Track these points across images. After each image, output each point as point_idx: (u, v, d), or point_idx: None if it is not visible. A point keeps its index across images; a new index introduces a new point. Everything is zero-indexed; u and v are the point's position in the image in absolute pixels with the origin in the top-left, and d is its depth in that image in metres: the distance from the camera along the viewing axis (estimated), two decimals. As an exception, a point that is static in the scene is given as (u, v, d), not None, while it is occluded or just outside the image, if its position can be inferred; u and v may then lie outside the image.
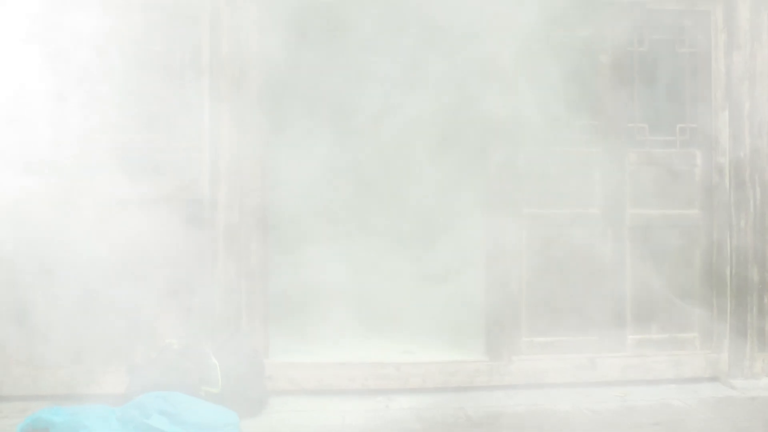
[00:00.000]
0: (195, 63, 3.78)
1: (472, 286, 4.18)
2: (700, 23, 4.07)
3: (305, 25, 4.40)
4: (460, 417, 3.54)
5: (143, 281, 3.74)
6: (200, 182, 3.77)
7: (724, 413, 3.61)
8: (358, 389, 3.77)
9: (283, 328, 4.22)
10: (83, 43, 3.70)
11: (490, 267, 3.97)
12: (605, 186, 4.02)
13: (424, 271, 4.59)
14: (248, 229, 3.79)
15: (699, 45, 4.08)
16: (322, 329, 4.48)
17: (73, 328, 3.75)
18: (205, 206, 3.77)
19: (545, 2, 3.91)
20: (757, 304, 4.07)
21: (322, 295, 4.59)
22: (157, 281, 3.75)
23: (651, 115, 4.08)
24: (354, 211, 5.07)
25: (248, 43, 3.78)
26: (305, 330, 4.46)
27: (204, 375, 3.46)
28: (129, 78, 3.77)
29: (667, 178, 4.07)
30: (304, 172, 4.62)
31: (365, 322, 4.51)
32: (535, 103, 3.98)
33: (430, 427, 3.39)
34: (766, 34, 4.06)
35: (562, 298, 4.00)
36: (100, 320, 3.75)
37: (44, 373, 3.72)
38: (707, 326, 4.09)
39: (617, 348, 4.04)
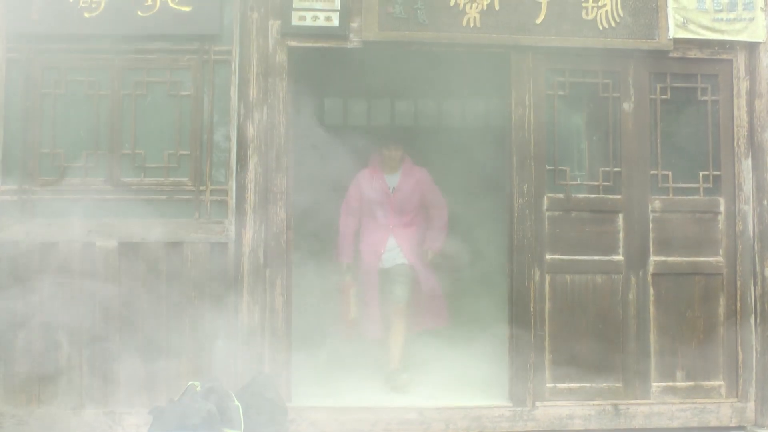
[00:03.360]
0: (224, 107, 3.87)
1: (497, 332, 4.17)
2: (723, 71, 4.10)
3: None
4: (484, 465, 3.49)
5: (166, 322, 3.76)
6: (225, 224, 3.81)
7: (752, 465, 3.54)
8: (381, 434, 3.74)
9: (305, 371, 4.22)
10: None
11: (513, 312, 3.96)
12: (629, 233, 4.02)
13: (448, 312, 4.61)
14: (273, 271, 3.82)
15: (721, 93, 4.11)
16: (345, 374, 4.48)
17: (95, 369, 3.77)
18: (230, 248, 3.80)
19: (567, 50, 3.97)
20: (783, 352, 4.03)
21: (347, 341, 4.60)
22: (180, 322, 3.77)
23: (674, 162, 4.09)
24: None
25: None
26: (329, 374, 4.46)
27: (226, 417, 3.44)
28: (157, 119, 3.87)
29: (690, 226, 4.06)
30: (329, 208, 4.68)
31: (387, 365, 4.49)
32: (559, 150, 4.02)
33: (453, 476, 3.34)
34: (788, 83, 4.10)
35: (586, 345, 3.97)
36: (123, 361, 3.77)
37: (66, 414, 3.74)
38: (733, 374, 4.04)
39: (642, 395, 3.99)
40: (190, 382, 3.56)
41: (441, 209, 4.57)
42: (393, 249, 4.50)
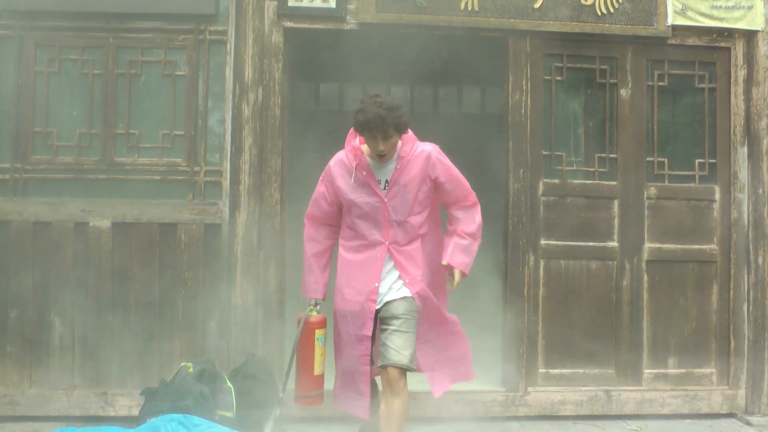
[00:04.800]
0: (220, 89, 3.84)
1: (490, 317, 4.16)
2: (721, 59, 4.09)
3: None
4: (476, 449, 3.50)
5: (159, 303, 3.74)
6: (219, 206, 3.79)
7: (742, 452, 3.57)
8: (373, 418, 3.74)
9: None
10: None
11: (508, 297, 3.96)
12: (624, 219, 4.02)
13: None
14: (266, 254, 3.80)
15: (719, 81, 4.10)
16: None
17: (88, 350, 3.75)
18: (224, 229, 3.78)
19: (565, 35, 3.95)
20: (775, 341, 4.05)
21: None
22: (174, 303, 3.75)
23: (670, 149, 4.09)
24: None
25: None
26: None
27: (218, 399, 3.43)
28: (152, 99, 3.84)
29: (685, 213, 4.07)
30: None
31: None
32: (555, 135, 4.01)
33: (445, 459, 3.35)
34: (785, 72, 4.09)
35: (579, 331, 3.98)
36: (115, 342, 3.75)
37: (58, 394, 3.72)
38: (724, 362, 4.06)
39: (633, 382, 4.01)
40: (182, 364, 3.55)
41: (465, 199, 3.04)
42: (391, 278, 2.97)
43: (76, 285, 3.75)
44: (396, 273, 2.96)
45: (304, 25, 3.86)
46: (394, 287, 2.94)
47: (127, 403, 3.71)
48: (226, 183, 3.79)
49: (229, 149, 3.80)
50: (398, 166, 2.93)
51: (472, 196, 3.04)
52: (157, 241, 3.76)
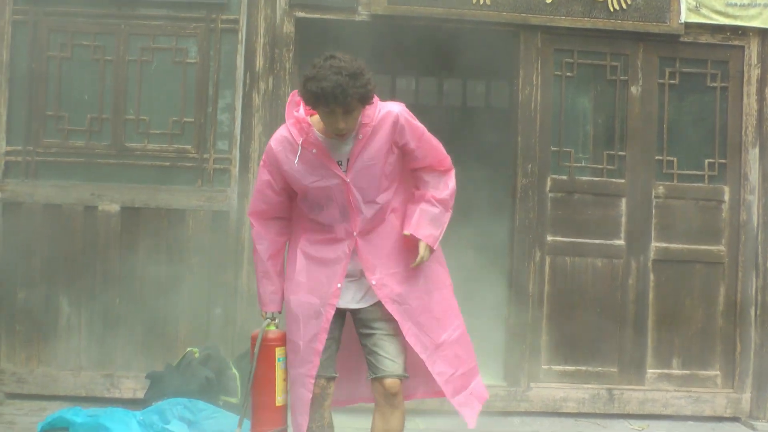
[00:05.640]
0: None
1: (494, 310, 4.16)
2: (734, 58, 4.05)
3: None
4: (476, 442, 3.51)
5: (166, 287, 3.78)
6: (228, 193, 3.82)
7: (744, 455, 3.55)
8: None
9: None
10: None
11: (512, 292, 3.96)
12: (631, 217, 4.00)
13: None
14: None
15: (731, 80, 4.06)
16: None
17: (94, 332, 3.81)
18: (232, 217, 3.81)
19: (577, 30, 3.94)
20: (782, 344, 4.02)
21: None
22: (180, 289, 3.79)
23: (680, 148, 4.06)
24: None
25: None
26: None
27: (223, 385, 3.47)
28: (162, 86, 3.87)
29: (693, 213, 4.04)
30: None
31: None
32: (564, 131, 4.00)
33: (444, 451, 3.36)
34: (800, 72, 4.05)
35: (584, 328, 3.97)
36: (122, 325, 3.80)
37: (65, 374, 3.78)
38: (730, 365, 4.03)
39: (637, 381, 4.00)
40: (188, 349, 3.60)
41: (440, 164, 2.48)
42: (359, 276, 2.43)
43: (84, 267, 3.80)
44: (367, 269, 2.38)
45: (316, 15, 3.88)
46: (366, 285, 2.41)
47: (132, 386, 3.75)
48: (235, 170, 3.82)
49: (238, 137, 3.83)
50: (360, 137, 2.32)
51: (447, 161, 2.48)
52: (165, 227, 3.80)
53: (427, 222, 2.41)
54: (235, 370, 3.51)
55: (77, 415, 3.18)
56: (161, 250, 3.80)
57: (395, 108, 2.39)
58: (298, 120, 2.37)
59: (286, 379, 2.46)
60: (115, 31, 3.85)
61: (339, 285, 2.39)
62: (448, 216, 2.47)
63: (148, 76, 3.86)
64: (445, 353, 2.45)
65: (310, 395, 2.38)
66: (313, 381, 2.38)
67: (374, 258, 2.39)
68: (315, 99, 2.20)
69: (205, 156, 3.84)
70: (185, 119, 3.85)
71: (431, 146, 2.44)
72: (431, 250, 2.41)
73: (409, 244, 2.42)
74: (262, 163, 2.47)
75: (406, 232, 2.40)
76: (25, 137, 3.83)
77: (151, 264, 3.79)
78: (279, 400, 2.44)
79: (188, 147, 3.85)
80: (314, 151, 2.33)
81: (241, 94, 3.84)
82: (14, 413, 3.62)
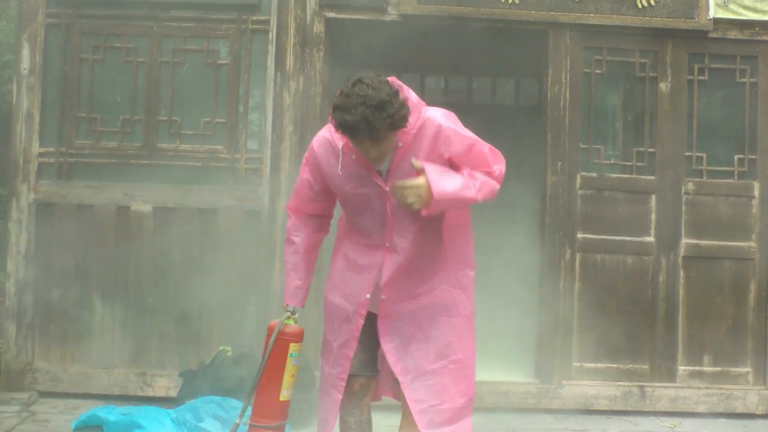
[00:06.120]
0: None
1: (525, 308, 4.17)
2: (763, 53, 4.05)
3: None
4: (510, 439, 3.51)
5: (199, 287, 3.80)
6: (260, 192, 3.84)
7: (778, 451, 3.53)
8: (406, 406, 3.75)
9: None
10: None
11: (543, 290, 3.96)
12: (661, 214, 4.00)
13: (477, 289, 4.56)
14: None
15: (760, 75, 4.06)
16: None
17: (128, 330, 3.83)
18: (264, 216, 3.83)
19: (605, 28, 3.95)
20: (813, 340, 3.99)
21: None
22: (213, 288, 3.81)
23: (709, 144, 4.06)
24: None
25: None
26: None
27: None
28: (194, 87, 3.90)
29: (723, 209, 4.03)
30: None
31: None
32: (593, 129, 4.00)
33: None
34: (829, 67, 4.04)
35: (614, 325, 3.96)
36: (155, 324, 3.82)
37: (98, 373, 3.81)
38: (761, 361, 4.01)
39: (668, 378, 3.98)
40: (221, 347, 3.62)
41: (484, 165, 2.29)
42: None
43: (117, 267, 3.83)
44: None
45: (345, 16, 3.91)
46: None
47: (165, 384, 3.77)
48: (267, 170, 3.84)
49: (269, 137, 3.85)
50: (400, 144, 2.21)
51: (497, 168, 2.29)
52: (197, 227, 3.83)
53: (445, 175, 2.19)
54: (267, 369, 3.52)
55: (111, 413, 3.20)
56: (193, 250, 3.83)
57: (439, 117, 2.26)
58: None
59: (294, 375, 2.43)
60: (147, 33, 3.89)
61: (367, 295, 2.31)
62: (468, 194, 2.20)
63: (179, 78, 3.90)
64: (430, 382, 2.29)
65: (340, 396, 2.35)
66: (343, 384, 2.35)
67: (395, 272, 2.28)
68: (343, 129, 2.12)
69: (236, 156, 3.86)
70: (217, 120, 3.88)
71: (483, 158, 2.27)
72: (429, 197, 2.15)
73: (460, 281, 2.34)
74: (304, 160, 2.41)
75: (416, 163, 2.19)
76: (58, 139, 3.87)
77: (183, 263, 3.82)
78: (284, 395, 2.40)
79: (220, 147, 3.88)
80: (354, 157, 2.24)
81: (272, 94, 3.86)
82: (48, 412, 3.65)
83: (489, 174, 2.28)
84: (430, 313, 2.32)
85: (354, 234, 2.38)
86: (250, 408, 2.44)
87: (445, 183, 2.17)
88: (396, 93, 2.12)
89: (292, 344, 2.39)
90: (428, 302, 2.32)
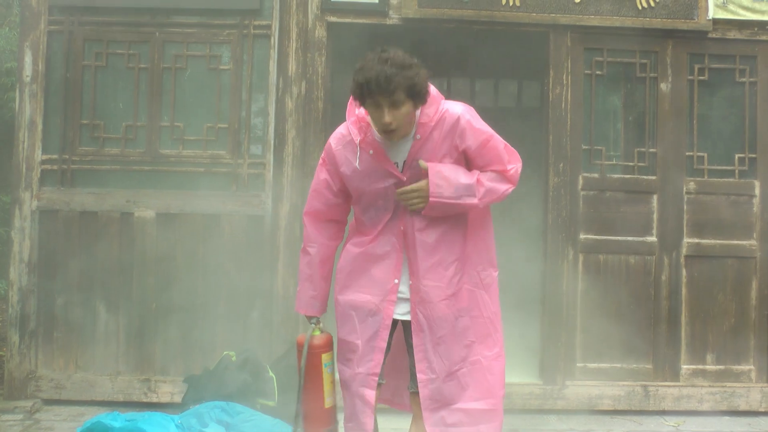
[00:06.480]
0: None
1: (528, 309, 4.17)
2: (762, 53, 4.07)
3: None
4: (516, 440, 3.51)
5: (203, 292, 3.81)
6: (262, 197, 3.84)
7: (783, 449, 3.54)
8: (412, 408, 3.76)
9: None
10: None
11: (546, 291, 3.97)
12: (663, 214, 4.02)
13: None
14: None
15: (760, 74, 4.07)
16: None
17: (132, 336, 3.83)
18: (267, 221, 3.83)
19: (606, 29, 3.96)
20: (815, 338, 4.01)
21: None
22: (217, 293, 3.81)
23: (710, 144, 4.08)
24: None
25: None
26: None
27: (260, 388, 3.48)
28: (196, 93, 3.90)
29: (725, 208, 4.04)
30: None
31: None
32: (595, 130, 4.02)
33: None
34: (827, 67, 4.06)
35: (618, 325, 3.97)
36: (159, 329, 3.82)
37: (102, 380, 3.80)
38: (764, 359, 4.02)
39: (671, 377, 3.99)
40: (225, 352, 3.62)
41: (499, 163, 2.28)
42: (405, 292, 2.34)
43: (120, 273, 3.83)
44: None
45: (347, 20, 3.92)
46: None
47: (169, 390, 3.77)
48: (269, 175, 3.85)
49: (272, 142, 3.86)
50: (418, 137, 2.21)
51: (512, 167, 2.27)
52: (200, 232, 3.83)
53: (450, 180, 2.19)
54: (272, 374, 3.52)
55: (115, 419, 3.18)
56: (197, 255, 3.83)
57: (458, 109, 2.26)
58: (359, 119, 2.29)
59: (333, 382, 2.46)
60: (150, 39, 3.90)
61: (396, 281, 2.27)
62: (470, 201, 2.21)
63: (182, 83, 3.90)
64: (449, 383, 2.27)
65: (374, 394, 2.29)
66: (375, 379, 2.29)
67: (420, 261, 2.24)
68: (360, 90, 2.12)
69: (239, 161, 3.87)
70: (219, 125, 3.89)
71: (496, 153, 2.26)
72: (431, 194, 2.17)
73: (481, 278, 2.31)
74: (320, 161, 2.39)
75: (422, 164, 2.20)
76: (61, 145, 3.87)
77: (187, 269, 3.82)
78: (327, 402, 2.45)
79: (222, 152, 3.88)
80: (371, 152, 2.25)
81: (275, 99, 3.87)
82: (52, 419, 3.65)
83: (503, 173, 2.27)
84: (456, 314, 2.28)
85: (367, 230, 2.33)
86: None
87: (443, 190, 2.18)
88: (420, 65, 2.13)
89: (323, 355, 2.42)
90: (454, 304, 2.28)
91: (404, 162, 2.26)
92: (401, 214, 2.28)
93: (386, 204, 2.29)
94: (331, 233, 2.43)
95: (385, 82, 2.06)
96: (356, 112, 2.30)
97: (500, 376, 2.33)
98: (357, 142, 2.26)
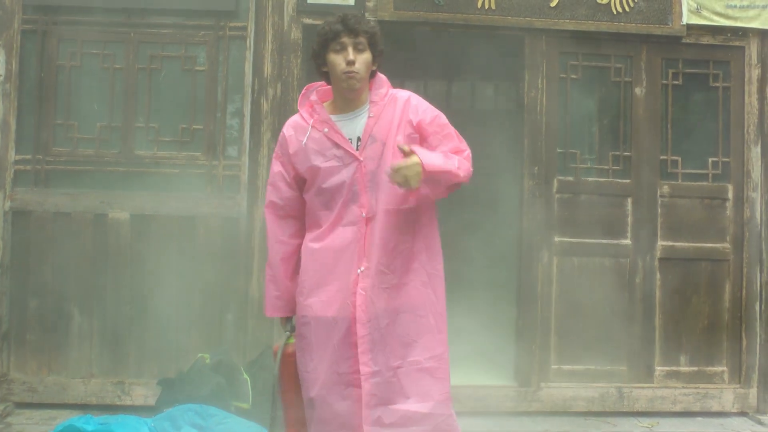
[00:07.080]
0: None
1: (503, 312, 4.19)
2: (735, 58, 4.12)
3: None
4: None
5: (177, 294, 3.79)
6: (237, 199, 3.83)
7: (754, 450, 3.58)
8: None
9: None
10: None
11: (521, 293, 3.99)
12: (637, 217, 4.05)
13: (455, 294, 4.60)
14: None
15: (733, 80, 4.13)
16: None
17: (105, 339, 3.80)
18: (242, 223, 3.83)
19: (581, 33, 3.99)
20: (787, 339, 4.06)
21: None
22: (191, 296, 3.80)
23: (684, 148, 4.11)
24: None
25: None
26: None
27: (235, 390, 3.47)
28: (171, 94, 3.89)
29: (698, 211, 4.09)
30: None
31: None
32: (570, 133, 4.05)
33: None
34: (799, 71, 4.12)
35: (592, 327, 4.00)
36: (133, 332, 3.80)
37: (75, 383, 3.77)
38: (736, 360, 4.07)
39: (645, 379, 4.03)
40: (199, 355, 3.60)
41: (452, 146, 2.29)
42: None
43: (94, 275, 3.80)
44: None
45: (323, 22, 3.90)
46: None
47: (143, 393, 3.75)
48: (245, 177, 3.84)
49: (247, 144, 3.85)
50: (371, 114, 2.25)
51: (467, 154, 2.29)
52: (175, 234, 3.81)
53: (431, 153, 2.18)
54: (246, 376, 3.51)
55: (88, 423, 3.16)
56: (171, 257, 3.80)
57: (406, 92, 2.35)
58: (311, 104, 2.33)
59: None
60: (125, 40, 3.88)
61: (359, 270, 2.19)
62: (453, 168, 2.19)
63: (157, 84, 3.88)
64: (391, 380, 2.20)
65: (360, 391, 2.18)
66: (359, 376, 2.18)
67: (373, 246, 2.20)
68: (324, 35, 2.23)
69: (214, 163, 3.86)
70: (194, 126, 3.87)
71: (449, 132, 2.29)
72: (424, 170, 2.11)
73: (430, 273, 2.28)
74: (274, 155, 2.39)
75: (404, 146, 2.14)
76: (35, 146, 3.84)
77: (161, 271, 3.79)
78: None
79: (198, 154, 3.87)
80: (326, 130, 2.26)
81: (250, 101, 3.86)
82: (24, 423, 3.61)
83: (460, 152, 2.28)
84: (399, 308, 2.23)
85: (322, 219, 2.28)
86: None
87: (433, 158, 2.15)
88: (377, 27, 2.29)
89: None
90: (400, 298, 2.23)
91: (358, 140, 2.26)
92: (361, 199, 2.23)
93: (344, 189, 2.23)
94: (291, 231, 2.39)
95: (352, 20, 2.22)
96: (310, 98, 2.35)
97: (442, 379, 2.26)
98: (310, 123, 2.29)
